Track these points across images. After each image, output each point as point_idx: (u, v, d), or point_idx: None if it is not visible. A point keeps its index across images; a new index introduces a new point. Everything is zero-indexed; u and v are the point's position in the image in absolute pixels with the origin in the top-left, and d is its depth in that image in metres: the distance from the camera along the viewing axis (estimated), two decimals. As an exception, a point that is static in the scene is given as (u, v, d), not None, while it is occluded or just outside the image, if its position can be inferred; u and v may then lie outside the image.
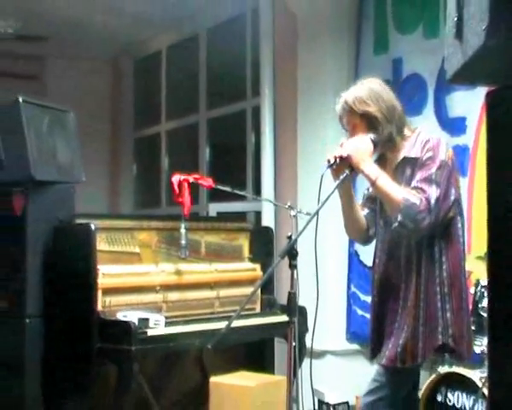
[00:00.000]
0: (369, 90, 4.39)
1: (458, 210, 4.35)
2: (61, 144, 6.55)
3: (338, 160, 4.23)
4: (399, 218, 4.12)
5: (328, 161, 4.27)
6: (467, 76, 2.66)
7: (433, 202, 4.10)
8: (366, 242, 4.69)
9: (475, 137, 6.66)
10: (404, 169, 4.27)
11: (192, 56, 11.09)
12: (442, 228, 4.24)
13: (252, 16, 9.67)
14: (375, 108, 4.32)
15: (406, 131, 4.40)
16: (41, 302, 6.29)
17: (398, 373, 4.29)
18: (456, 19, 2.57)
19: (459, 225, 4.35)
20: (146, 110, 12.60)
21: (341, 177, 4.23)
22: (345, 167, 4.25)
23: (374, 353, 4.46)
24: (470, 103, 6.64)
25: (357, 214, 4.49)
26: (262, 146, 8.93)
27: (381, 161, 4.46)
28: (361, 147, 4.21)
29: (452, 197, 4.20)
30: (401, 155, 4.32)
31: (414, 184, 4.18)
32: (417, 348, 4.23)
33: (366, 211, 4.54)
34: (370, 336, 4.52)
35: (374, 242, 4.63)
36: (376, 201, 4.52)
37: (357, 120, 4.34)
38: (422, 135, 4.35)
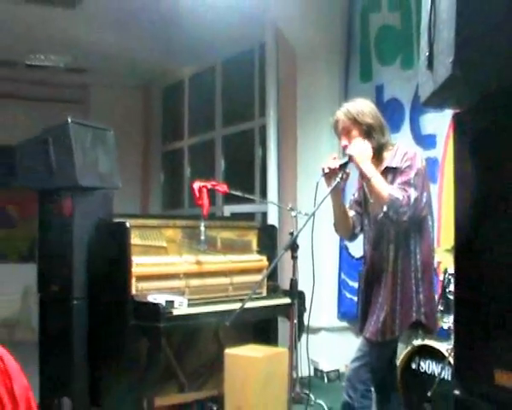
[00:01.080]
0: (368, 106, 4.41)
1: (429, 211, 4.35)
2: (101, 157, 6.55)
3: (340, 164, 4.24)
4: (385, 209, 4.13)
5: (323, 170, 4.28)
6: (437, 100, 2.66)
7: (412, 199, 4.11)
8: (351, 238, 4.69)
9: (444, 150, 6.66)
10: (386, 176, 4.27)
11: (210, 84, 11.10)
12: (417, 225, 4.24)
13: (259, 50, 9.67)
14: (372, 121, 4.33)
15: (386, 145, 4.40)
16: (85, 287, 6.29)
17: (378, 344, 4.28)
18: (427, 53, 2.57)
19: (430, 223, 4.36)
20: (171, 128, 12.60)
21: (333, 183, 4.24)
22: (336, 176, 4.26)
23: (361, 328, 4.46)
24: (440, 123, 6.65)
25: (345, 215, 4.49)
26: (267, 158, 8.93)
27: None
28: (363, 150, 4.22)
29: (424, 200, 4.20)
30: (384, 165, 4.32)
31: (396, 186, 4.19)
32: (395, 325, 4.23)
33: (352, 213, 4.54)
34: (359, 315, 4.52)
35: (360, 238, 4.63)
36: (361, 204, 4.52)
37: (356, 128, 4.34)
38: (401, 149, 4.36)
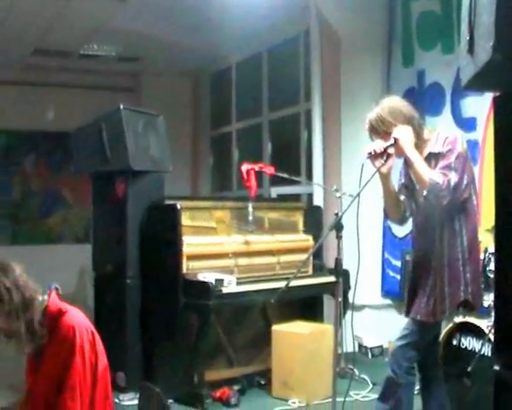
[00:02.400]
0: (389, 108, 4.35)
1: (473, 191, 4.32)
2: (153, 141, 6.60)
3: (385, 147, 4.21)
4: (425, 193, 4.11)
5: (369, 153, 4.25)
6: (477, 84, 2.63)
7: (452, 183, 4.07)
8: (402, 222, 4.64)
9: (484, 133, 6.59)
10: (429, 163, 4.23)
11: (256, 70, 11.08)
12: (461, 206, 4.21)
13: (304, 37, 9.63)
14: (394, 123, 4.28)
15: (426, 133, 4.35)
16: (138, 267, 6.35)
17: (428, 325, 4.26)
18: (468, 38, 2.55)
19: (474, 203, 4.32)
20: (220, 113, 12.60)
21: (378, 165, 4.23)
22: (381, 158, 4.24)
23: (408, 309, 4.42)
24: (480, 106, 6.58)
25: (396, 200, 4.46)
26: (313, 141, 8.90)
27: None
28: (407, 135, 4.18)
29: (465, 182, 4.16)
30: (426, 152, 4.28)
31: (437, 170, 4.16)
32: (445, 305, 4.21)
33: (402, 197, 4.50)
34: (406, 297, 4.49)
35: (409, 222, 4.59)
36: (408, 188, 4.48)
37: (381, 136, 4.32)
38: (442, 133, 4.32)
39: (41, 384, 3.42)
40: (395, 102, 4.43)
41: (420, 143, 4.29)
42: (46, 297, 3.39)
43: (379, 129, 4.32)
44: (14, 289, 3.20)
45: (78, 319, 3.38)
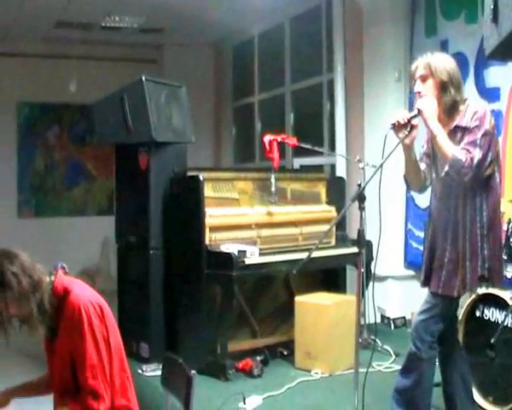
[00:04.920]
0: (448, 62, 4.31)
1: (497, 168, 4.28)
2: (175, 113, 6.60)
3: (408, 118, 4.18)
4: (446, 168, 4.09)
5: (393, 124, 4.23)
6: (501, 53, 2.63)
7: (475, 161, 4.04)
8: (422, 190, 4.62)
9: (508, 103, 6.55)
10: (455, 135, 4.20)
11: (278, 41, 11.03)
12: (483, 182, 4.19)
13: (326, 7, 9.58)
14: (449, 78, 4.23)
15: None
16: (161, 238, 6.39)
17: (449, 298, 4.26)
18: (492, 7, 2.54)
19: (497, 181, 4.29)
20: (242, 84, 12.57)
21: (402, 136, 4.20)
22: (404, 128, 4.21)
23: (426, 280, 4.41)
24: (504, 76, 6.53)
25: (416, 168, 4.43)
26: (335, 111, 8.88)
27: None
28: (431, 107, 4.15)
29: (489, 159, 4.12)
30: (454, 124, 4.25)
31: (462, 145, 4.13)
32: (466, 280, 4.20)
33: (423, 165, 4.47)
34: (423, 268, 4.48)
35: (429, 190, 4.57)
36: (430, 157, 4.46)
37: (432, 79, 4.27)
38: (471, 106, 4.26)
39: (57, 366, 3.46)
40: (446, 58, 4.40)
41: (453, 114, 4.26)
42: (53, 278, 3.40)
43: (424, 73, 4.27)
44: (22, 273, 3.21)
45: (83, 295, 3.36)
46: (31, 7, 9.60)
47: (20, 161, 12.29)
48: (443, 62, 4.31)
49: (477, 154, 4.06)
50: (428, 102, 4.20)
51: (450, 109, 4.25)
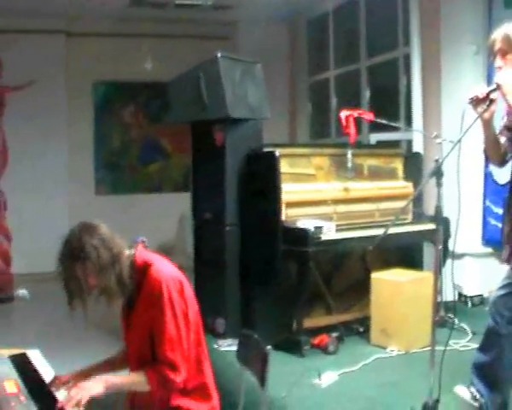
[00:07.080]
0: None
1: None
2: (250, 89, 6.63)
3: (487, 92, 4.11)
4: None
5: (471, 99, 4.16)
6: None
7: None
8: (502, 164, 4.54)
9: None
10: None
11: (354, 16, 10.97)
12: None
13: (402, -20, 9.50)
14: None
15: None
16: (237, 214, 6.42)
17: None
18: None
19: None
20: (317, 60, 12.54)
21: (480, 111, 4.14)
22: (483, 103, 4.15)
23: (509, 257, 4.34)
24: None
25: (496, 142, 4.36)
26: (412, 86, 8.79)
27: None
28: (511, 81, 4.08)
29: None
30: None
31: None
32: None
33: (503, 139, 4.41)
34: (503, 244, 4.41)
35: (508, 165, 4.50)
36: (511, 130, 4.38)
37: (502, 57, 4.19)
38: None
39: (134, 339, 3.52)
40: None
41: None
42: (133, 251, 3.46)
43: (503, 46, 4.20)
44: (102, 246, 3.27)
45: (164, 270, 3.42)
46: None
47: (97, 140, 12.51)
48: None
49: None
50: (508, 76, 4.13)
51: None
